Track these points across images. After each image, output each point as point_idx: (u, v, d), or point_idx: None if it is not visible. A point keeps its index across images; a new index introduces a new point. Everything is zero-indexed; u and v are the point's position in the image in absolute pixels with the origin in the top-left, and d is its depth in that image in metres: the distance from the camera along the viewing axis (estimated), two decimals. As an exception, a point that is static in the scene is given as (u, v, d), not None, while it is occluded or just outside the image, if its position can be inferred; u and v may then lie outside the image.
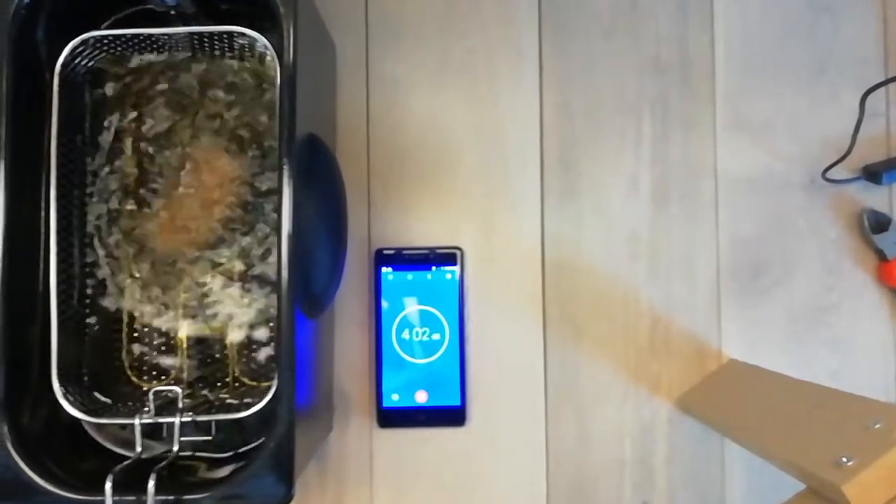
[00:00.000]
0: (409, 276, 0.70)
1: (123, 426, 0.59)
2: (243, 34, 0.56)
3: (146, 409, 0.56)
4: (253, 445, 0.60)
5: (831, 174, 0.70)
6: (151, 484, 0.49)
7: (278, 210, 0.53)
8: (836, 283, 0.71)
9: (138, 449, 0.54)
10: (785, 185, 0.71)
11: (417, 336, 0.70)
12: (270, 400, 0.53)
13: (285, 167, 0.52)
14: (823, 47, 0.72)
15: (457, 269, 0.70)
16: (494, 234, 0.71)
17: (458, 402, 0.69)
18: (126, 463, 0.52)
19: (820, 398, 0.55)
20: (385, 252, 0.70)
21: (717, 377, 0.69)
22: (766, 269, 0.71)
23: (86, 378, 0.60)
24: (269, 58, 0.60)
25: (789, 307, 0.71)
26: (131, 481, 0.52)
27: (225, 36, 0.58)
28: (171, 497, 0.50)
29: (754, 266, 0.71)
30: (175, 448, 0.54)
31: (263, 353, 0.62)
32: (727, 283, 0.71)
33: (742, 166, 0.71)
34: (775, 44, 0.72)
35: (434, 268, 0.70)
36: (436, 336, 0.70)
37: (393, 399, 0.69)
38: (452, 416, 0.69)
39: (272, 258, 0.62)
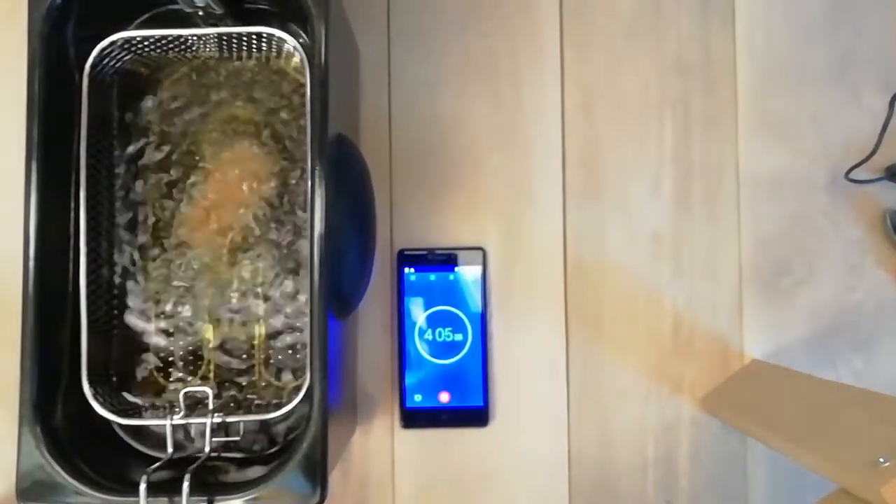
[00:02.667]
0: (432, 276, 0.70)
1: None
2: (272, 35, 0.56)
3: (177, 409, 0.56)
4: (281, 446, 0.60)
5: (854, 174, 0.70)
6: (186, 485, 0.49)
7: (310, 211, 0.53)
8: (859, 283, 0.71)
9: (170, 450, 0.54)
10: (807, 185, 0.71)
11: (440, 336, 0.70)
12: (300, 400, 0.54)
13: (316, 168, 0.53)
14: (846, 47, 0.72)
15: (479, 269, 0.70)
16: (517, 234, 0.71)
17: (480, 403, 0.69)
18: (159, 464, 0.52)
19: (851, 398, 0.55)
20: (407, 252, 0.70)
21: (740, 377, 0.69)
22: (789, 269, 0.71)
23: (114, 379, 0.60)
24: (297, 59, 0.60)
25: (812, 307, 0.71)
26: (163, 482, 0.52)
27: (254, 37, 0.58)
28: (203, 498, 0.50)
29: (777, 266, 0.71)
30: (207, 449, 0.54)
31: (292, 354, 0.62)
32: (750, 283, 0.71)
33: (764, 166, 0.71)
34: (797, 44, 0.72)
35: (456, 268, 0.70)
36: (458, 336, 0.70)
37: (416, 399, 0.69)
38: (475, 416, 0.70)
39: (302, 259, 0.61)
